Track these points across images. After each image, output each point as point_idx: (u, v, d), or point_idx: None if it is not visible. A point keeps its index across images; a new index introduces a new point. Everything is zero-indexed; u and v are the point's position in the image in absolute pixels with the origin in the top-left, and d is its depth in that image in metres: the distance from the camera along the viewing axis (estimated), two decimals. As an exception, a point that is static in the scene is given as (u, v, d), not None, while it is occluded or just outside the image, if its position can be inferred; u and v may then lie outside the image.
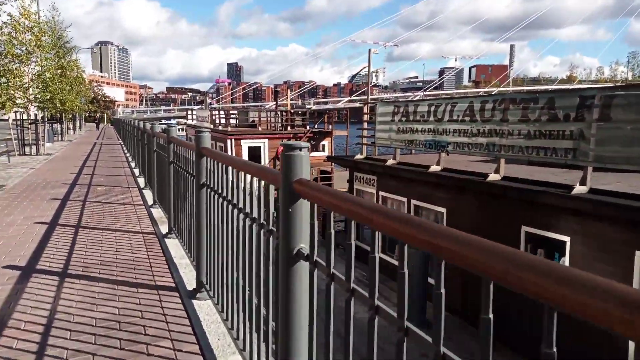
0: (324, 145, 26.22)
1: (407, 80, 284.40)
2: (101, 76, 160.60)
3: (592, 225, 6.70)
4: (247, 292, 2.37)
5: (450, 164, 10.13)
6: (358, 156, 12.82)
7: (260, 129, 25.35)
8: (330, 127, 26.51)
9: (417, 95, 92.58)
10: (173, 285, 3.71)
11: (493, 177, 8.35)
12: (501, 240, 0.81)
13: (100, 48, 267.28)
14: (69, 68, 23.74)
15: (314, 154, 25.28)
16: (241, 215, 2.44)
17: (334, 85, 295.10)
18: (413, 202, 10.46)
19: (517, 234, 7.70)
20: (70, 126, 38.68)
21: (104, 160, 14.49)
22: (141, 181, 9.15)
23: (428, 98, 13.27)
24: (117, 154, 16.96)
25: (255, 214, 2.21)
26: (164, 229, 5.44)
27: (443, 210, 9.53)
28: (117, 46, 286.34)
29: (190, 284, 3.70)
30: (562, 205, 6.96)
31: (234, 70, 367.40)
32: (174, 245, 4.79)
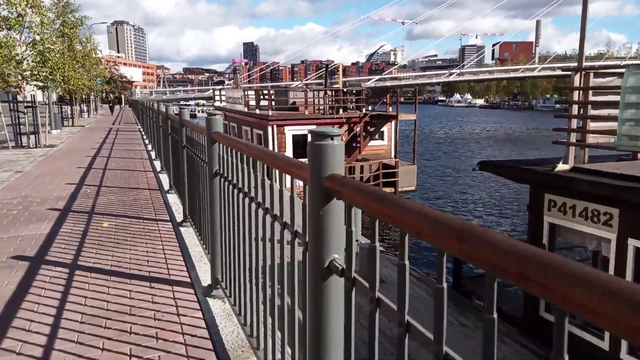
0: (382, 133, 21.30)
1: (426, 59, 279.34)
2: (118, 56, 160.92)
3: None
4: (267, 291, 2.14)
5: None
6: (561, 166, 7.33)
7: (306, 112, 20.89)
8: (391, 109, 21.32)
9: (454, 73, 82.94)
10: (189, 281, 3.48)
11: None
12: None
13: (117, 28, 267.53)
14: (76, 39, 20.50)
15: (372, 143, 20.92)
16: (260, 211, 2.18)
17: (352, 64, 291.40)
18: None
19: None
20: (85, 109, 35.38)
21: (118, 157, 11.07)
22: (173, 201, 6.01)
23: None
24: (135, 145, 13.80)
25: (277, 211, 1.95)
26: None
27: None
28: (133, 26, 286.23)
29: (206, 279, 3.46)
30: None
31: (251, 49, 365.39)
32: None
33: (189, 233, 4.66)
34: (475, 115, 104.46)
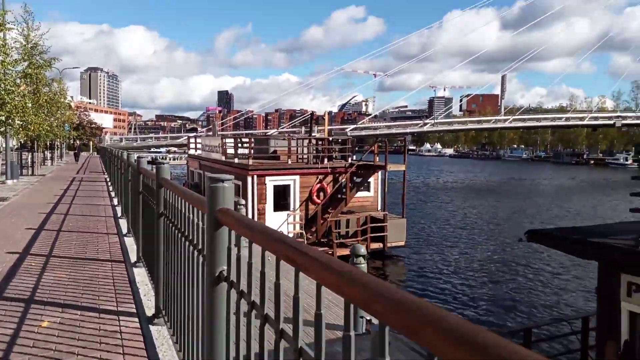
0: (369, 184, 20.27)
1: (397, 109, 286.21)
2: (89, 102, 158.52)
3: None
4: None
5: None
6: None
7: (289, 162, 19.74)
8: (377, 159, 20.28)
9: (428, 123, 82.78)
10: None
11: None
12: None
13: (90, 74, 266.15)
14: (41, 81, 19.04)
15: (360, 194, 19.77)
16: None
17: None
18: None
19: None
20: (49, 156, 33.72)
21: (78, 214, 9.31)
22: (141, 279, 4.68)
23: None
24: (99, 199, 11.90)
25: None
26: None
27: None
28: (107, 72, 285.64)
29: None
30: None
31: (225, 98, 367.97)
32: None
33: (162, 337, 3.30)
34: (446, 164, 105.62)
